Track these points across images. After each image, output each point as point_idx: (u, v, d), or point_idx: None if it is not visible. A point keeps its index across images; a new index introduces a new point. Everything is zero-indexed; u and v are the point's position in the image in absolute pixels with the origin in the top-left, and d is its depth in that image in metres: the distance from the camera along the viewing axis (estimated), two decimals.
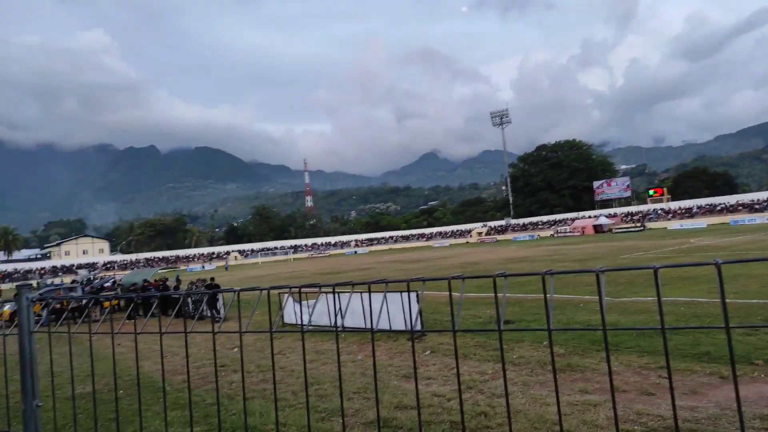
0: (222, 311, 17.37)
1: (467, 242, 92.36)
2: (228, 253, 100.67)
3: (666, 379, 7.06)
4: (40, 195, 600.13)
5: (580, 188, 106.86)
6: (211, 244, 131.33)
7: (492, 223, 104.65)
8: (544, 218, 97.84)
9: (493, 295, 15.86)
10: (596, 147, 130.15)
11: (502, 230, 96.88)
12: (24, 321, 2.69)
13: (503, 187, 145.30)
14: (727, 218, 66.84)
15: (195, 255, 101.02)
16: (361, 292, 8.72)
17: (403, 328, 11.02)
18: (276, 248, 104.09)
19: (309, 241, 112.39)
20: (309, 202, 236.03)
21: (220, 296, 17.32)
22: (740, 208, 71.08)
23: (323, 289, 2.31)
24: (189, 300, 18.77)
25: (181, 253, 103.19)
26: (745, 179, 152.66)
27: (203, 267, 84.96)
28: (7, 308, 19.25)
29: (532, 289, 15.78)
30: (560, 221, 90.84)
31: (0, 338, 2.95)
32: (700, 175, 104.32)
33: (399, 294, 10.74)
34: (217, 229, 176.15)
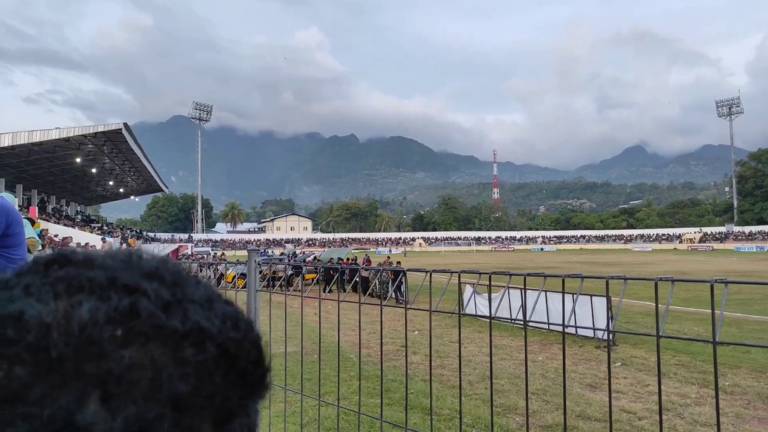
0: (406, 294, 18.23)
1: (675, 248, 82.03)
2: (414, 239, 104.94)
3: None
4: (260, 175, 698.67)
5: None
6: (399, 229, 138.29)
7: (709, 229, 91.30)
8: None
9: (702, 310, 13.88)
10: None
11: (722, 238, 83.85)
12: (252, 280, 3.17)
13: (727, 189, 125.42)
14: None
15: (384, 239, 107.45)
16: (547, 291, 8.39)
17: (590, 334, 10.32)
18: (459, 238, 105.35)
19: (493, 234, 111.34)
20: (496, 194, 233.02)
21: (404, 280, 18.17)
22: None
23: (509, 285, 2.29)
24: (376, 281, 20.08)
25: (372, 236, 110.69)
26: None
27: (390, 251, 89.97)
28: (231, 272, 22.76)
29: (756, 309, 13.44)
30: None
31: (232, 294, 3.52)
32: None
33: (589, 297, 10.06)
34: (405, 216, 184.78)
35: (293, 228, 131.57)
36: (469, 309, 14.18)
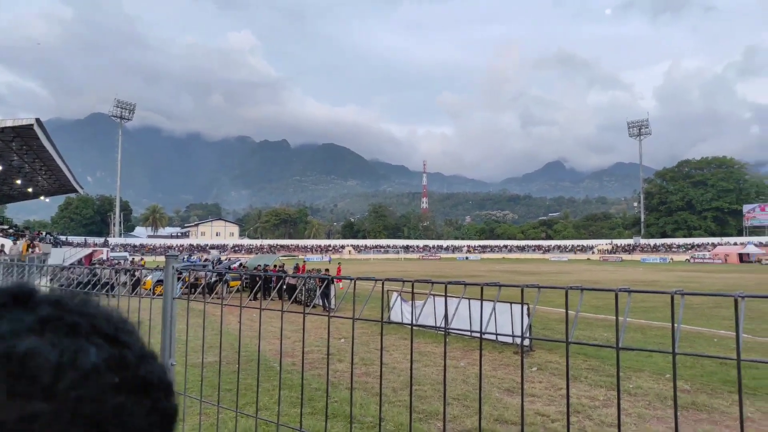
0: (333, 302, 18.13)
1: (588, 259, 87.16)
2: (343, 247, 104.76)
3: None
4: (185, 179, 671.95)
5: (727, 211, 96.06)
6: (328, 237, 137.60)
7: (618, 241, 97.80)
8: (680, 241, 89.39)
9: (611, 317, 14.82)
10: (751, 166, 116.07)
11: (630, 250, 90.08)
12: (169, 287, 3.04)
13: (635, 204, 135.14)
14: None
15: (313, 246, 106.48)
16: (469, 299, 8.63)
17: (509, 340, 10.73)
18: (388, 246, 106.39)
19: (421, 243, 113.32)
20: (425, 203, 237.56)
21: (332, 287, 18.08)
22: None
23: (433, 290, 2.35)
24: (303, 288, 19.84)
25: (301, 242, 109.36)
26: None
27: (329, 259, 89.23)
28: (150, 278, 21.70)
29: (658, 316, 14.53)
30: (698, 246, 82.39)
31: (147, 301, 3.36)
32: None
33: (509, 304, 10.47)
34: (335, 223, 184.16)
35: (219, 233, 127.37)
36: (395, 316, 14.33)
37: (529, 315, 10.61)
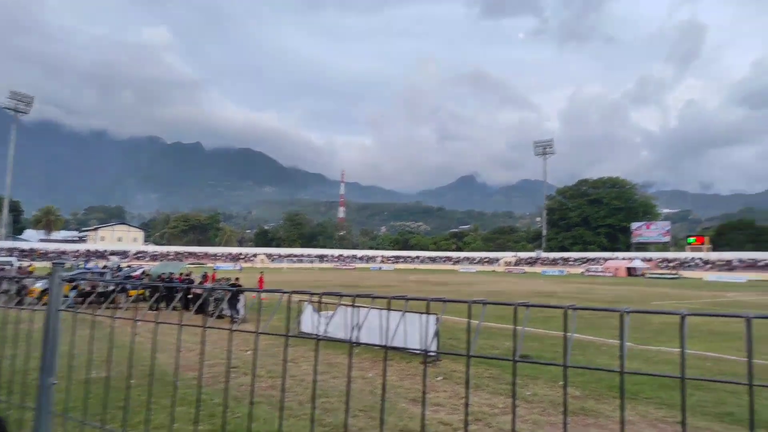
0: (242, 312, 17.60)
1: (494, 270, 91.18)
2: (255, 255, 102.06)
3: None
4: (87, 179, 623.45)
5: (618, 228, 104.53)
6: (241, 244, 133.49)
7: (522, 254, 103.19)
8: (576, 255, 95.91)
9: (513, 326, 15.58)
10: (640, 187, 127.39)
11: (532, 262, 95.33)
12: (53, 299, 2.81)
13: (538, 219, 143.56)
14: None
15: (223, 254, 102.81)
16: (380, 308, 8.72)
17: (418, 350, 10.94)
18: (303, 256, 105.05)
19: (336, 252, 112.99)
20: (341, 213, 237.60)
21: (242, 297, 17.55)
22: None
23: (342, 301, 2.36)
24: (210, 297, 19.08)
25: (211, 250, 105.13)
26: None
27: (240, 267, 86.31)
28: (38, 286, 19.86)
29: (554, 326, 15.46)
30: (592, 260, 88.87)
31: (28, 313, 3.08)
32: (745, 228, 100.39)
33: (418, 315, 10.69)
34: (248, 231, 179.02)
35: (121, 239, 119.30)
36: (306, 326, 14.16)
37: (436, 324, 10.91)
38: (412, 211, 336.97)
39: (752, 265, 71.26)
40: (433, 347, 10.79)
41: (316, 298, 2.52)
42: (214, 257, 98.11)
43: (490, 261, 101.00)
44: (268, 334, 2.50)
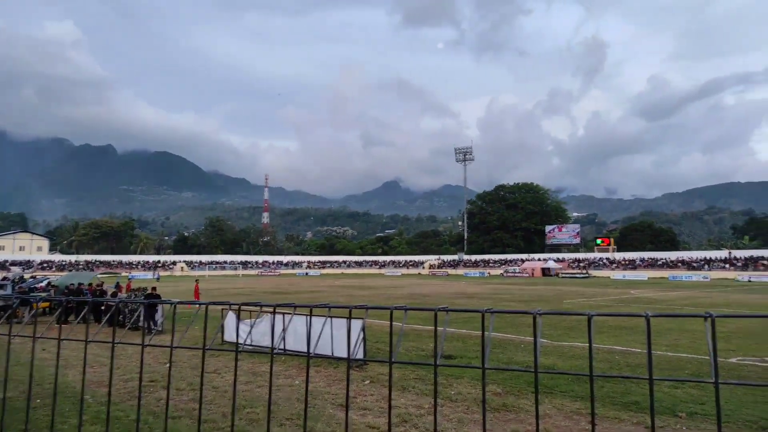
0: (160, 323, 16.76)
1: (419, 273, 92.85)
2: (174, 263, 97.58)
3: (595, 425, 7.24)
4: None
5: (533, 231, 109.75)
6: (158, 252, 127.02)
7: (445, 257, 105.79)
8: (496, 257, 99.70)
9: (440, 328, 15.96)
10: (552, 192, 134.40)
11: (455, 265, 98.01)
12: None
13: (460, 223, 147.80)
14: (666, 273, 69.89)
15: (139, 262, 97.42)
16: (307, 315, 8.61)
17: (344, 355, 10.91)
18: (225, 262, 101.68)
19: (260, 258, 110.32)
20: (265, 218, 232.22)
21: (159, 307, 16.71)
22: (679, 264, 74.53)
23: (265, 309, 2.30)
24: (126, 309, 18.02)
25: (125, 258, 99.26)
26: (686, 237, 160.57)
27: (157, 277, 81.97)
28: None
29: (477, 326, 15.97)
30: (511, 261, 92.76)
31: None
32: (645, 230, 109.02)
33: (345, 320, 10.67)
34: (166, 238, 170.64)
35: (23, 248, 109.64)
36: (231, 336, 13.73)
37: (363, 330, 10.96)
38: (338, 216, 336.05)
39: (652, 264, 77.39)
40: (360, 353, 10.81)
41: (238, 307, 2.45)
42: (129, 266, 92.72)
43: (415, 264, 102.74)
44: (184, 348, 2.39)
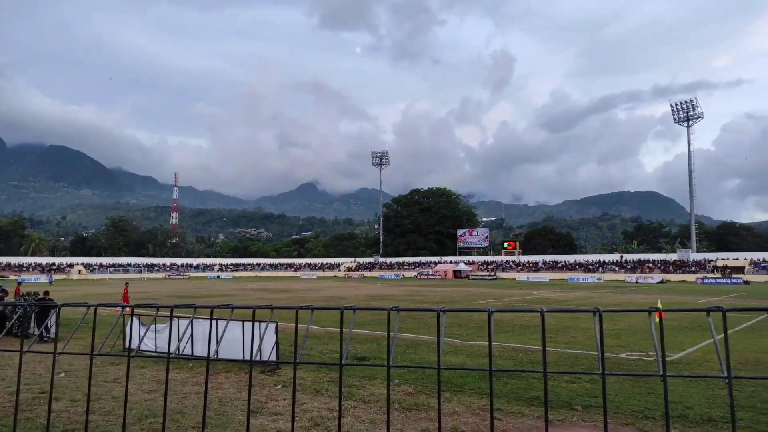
0: (53, 330, 15.44)
1: (335, 276, 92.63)
2: (71, 265, 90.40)
3: (500, 420, 7.60)
4: None
5: (445, 234, 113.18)
6: (53, 253, 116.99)
7: (361, 260, 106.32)
8: (410, 259, 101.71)
9: (355, 330, 16.00)
10: (463, 197, 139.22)
11: (370, 267, 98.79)
12: None
13: (376, 226, 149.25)
14: (565, 275, 74.80)
15: (31, 264, 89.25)
16: (218, 319, 8.31)
17: (256, 358, 10.66)
18: (129, 265, 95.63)
19: (168, 261, 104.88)
20: (174, 219, 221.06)
21: (51, 313, 15.40)
22: (577, 267, 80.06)
23: (162, 312, 2.20)
24: (13, 315, 16.44)
25: (14, 260, 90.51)
26: (583, 242, 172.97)
27: (51, 280, 75.17)
28: None
29: (391, 327, 16.20)
30: (424, 264, 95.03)
31: None
32: (547, 234, 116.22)
33: (258, 323, 10.41)
34: (62, 238, 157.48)
35: None
36: (135, 342, 12.93)
37: (276, 332, 10.76)
38: (252, 218, 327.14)
39: (553, 266, 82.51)
40: (273, 356, 10.60)
41: (131, 309, 2.32)
42: (19, 268, 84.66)
43: (332, 267, 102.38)
44: (68, 353, 2.22)
